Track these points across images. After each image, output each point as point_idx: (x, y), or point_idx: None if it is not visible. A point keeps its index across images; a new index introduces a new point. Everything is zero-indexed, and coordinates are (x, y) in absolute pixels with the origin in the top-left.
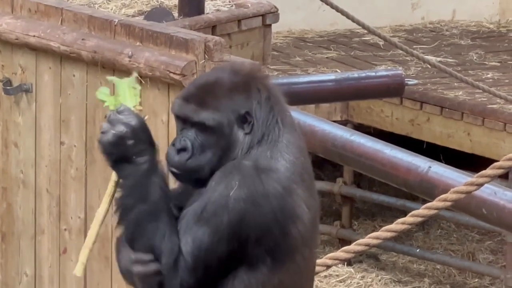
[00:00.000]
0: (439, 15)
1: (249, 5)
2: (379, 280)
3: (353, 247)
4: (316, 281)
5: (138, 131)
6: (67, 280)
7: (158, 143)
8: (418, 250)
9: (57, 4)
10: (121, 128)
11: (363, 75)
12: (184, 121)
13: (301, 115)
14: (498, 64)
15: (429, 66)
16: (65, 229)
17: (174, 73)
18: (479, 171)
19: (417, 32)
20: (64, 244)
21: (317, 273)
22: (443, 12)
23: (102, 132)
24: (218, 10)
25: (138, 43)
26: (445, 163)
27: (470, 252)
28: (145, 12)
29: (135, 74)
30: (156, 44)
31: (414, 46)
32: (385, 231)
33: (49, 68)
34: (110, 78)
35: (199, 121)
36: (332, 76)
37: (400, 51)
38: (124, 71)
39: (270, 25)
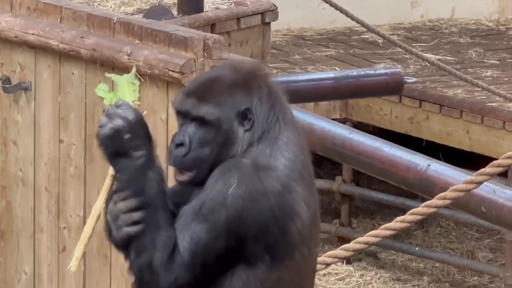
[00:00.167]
0: (438, 13)
1: (248, 3)
2: (378, 278)
3: (352, 245)
4: (315, 279)
5: (135, 126)
6: (66, 278)
7: (155, 139)
8: (417, 248)
9: (56, 2)
10: (118, 122)
11: (362, 73)
12: (184, 116)
13: (300, 113)
14: (497, 62)
15: (428, 64)
16: (64, 227)
17: (173, 71)
18: (478, 169)
19: (416, 30)
20: (63, 242)
21: (316, 271)
22: (442, 10)
23: (100, 126)
24: (217, 8)
25: (137, 41)
26: (444, 161)
27: (469, 250)
28: (144, 10)
29: (134, 70)
30: (155, 42)
31: (413, 44)
32: (384, 229)
33: (48, 66)
34: (109, 74)
35: (199, 115)
36: (331, 74)
37: (399, 49)
38: (123, 69)
39: (269, 23)
